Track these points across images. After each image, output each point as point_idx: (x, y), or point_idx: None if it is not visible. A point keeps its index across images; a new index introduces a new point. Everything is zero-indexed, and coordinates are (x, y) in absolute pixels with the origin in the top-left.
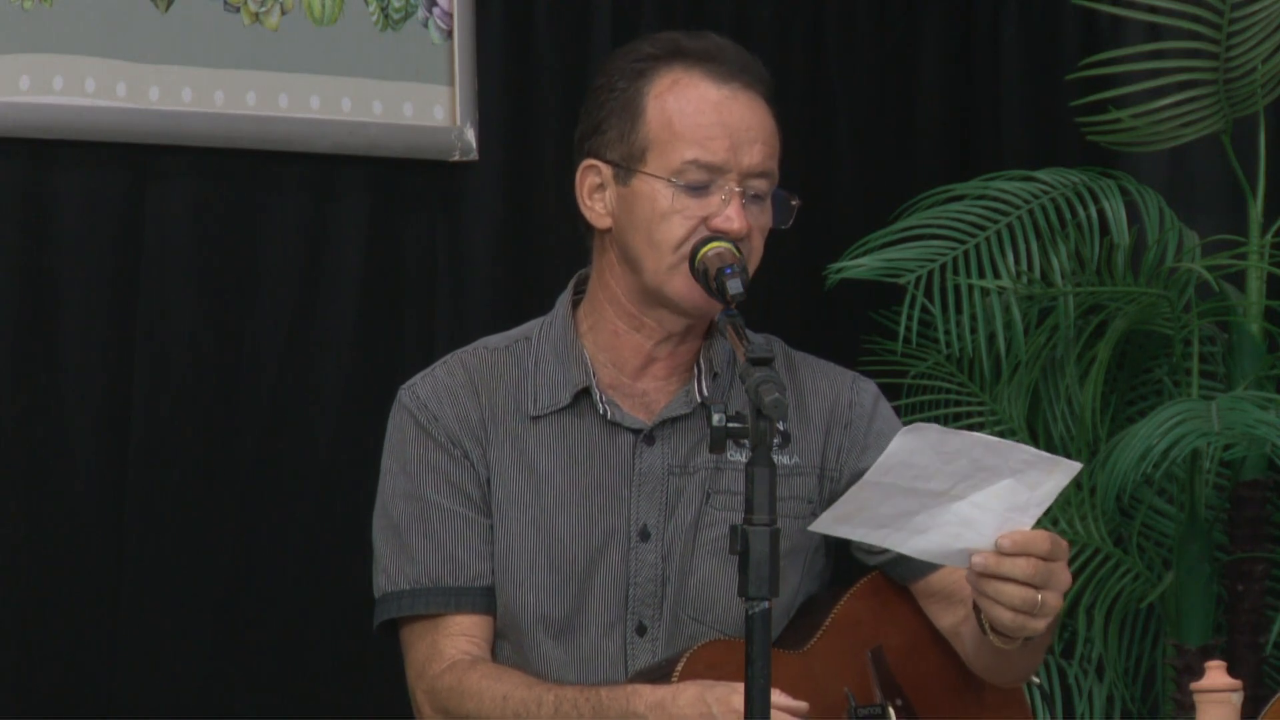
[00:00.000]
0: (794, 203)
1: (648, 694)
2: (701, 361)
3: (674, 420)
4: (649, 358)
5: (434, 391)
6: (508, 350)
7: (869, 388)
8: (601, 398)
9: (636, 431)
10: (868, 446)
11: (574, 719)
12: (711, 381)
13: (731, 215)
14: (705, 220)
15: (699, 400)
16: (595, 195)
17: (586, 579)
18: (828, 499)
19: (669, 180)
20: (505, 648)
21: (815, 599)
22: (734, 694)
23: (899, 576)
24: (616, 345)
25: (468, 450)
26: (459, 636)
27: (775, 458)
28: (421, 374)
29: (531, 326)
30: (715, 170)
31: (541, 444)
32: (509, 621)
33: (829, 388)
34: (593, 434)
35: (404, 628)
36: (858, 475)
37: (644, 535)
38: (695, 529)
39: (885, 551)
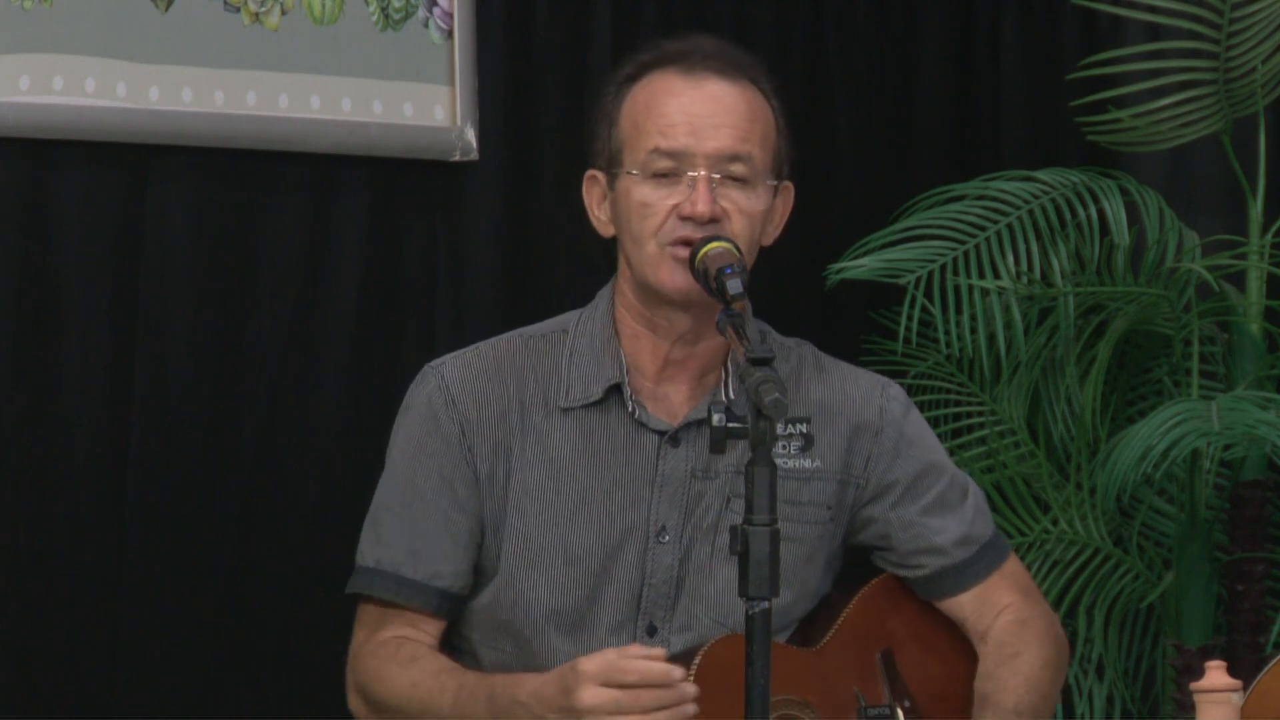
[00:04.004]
0: (772, 183)
1: (529, 682)
2: (729, 364)
3: (700, 423)
4: (665, 360)
5: (460, 374)
6: (543, 339)
7: (899, 394)
8: (631, 396)
9: (661, 433)
10: (898, 455)
11: (470, 706)
12: (739, 385)
13: (696, 199)
14: (676, 208)
15: (725, 403)
16: (600, 206)
17: (601, 576)
18: (850, 506)
19: (639, 174)
20: (508, 644)
21: (826, 597)
22: (586, 684)
23: (924, 594)
24: (636, 350)
25: (474, 444)
26: (404, 626)
27: (797, 461)
28: (452, 354)
29: (568, 318)
30: (679, 157)
31: (567, 438)
32: (517, 615)
33: (859, 394)
34: (619, 432)
35: (360, 603)
36: (886, 486)
37: (661, 536)
38: (715, 532)
39: (917, 566)
